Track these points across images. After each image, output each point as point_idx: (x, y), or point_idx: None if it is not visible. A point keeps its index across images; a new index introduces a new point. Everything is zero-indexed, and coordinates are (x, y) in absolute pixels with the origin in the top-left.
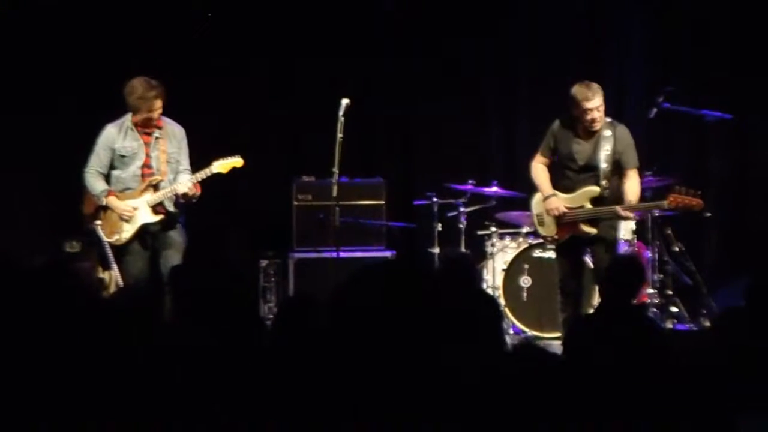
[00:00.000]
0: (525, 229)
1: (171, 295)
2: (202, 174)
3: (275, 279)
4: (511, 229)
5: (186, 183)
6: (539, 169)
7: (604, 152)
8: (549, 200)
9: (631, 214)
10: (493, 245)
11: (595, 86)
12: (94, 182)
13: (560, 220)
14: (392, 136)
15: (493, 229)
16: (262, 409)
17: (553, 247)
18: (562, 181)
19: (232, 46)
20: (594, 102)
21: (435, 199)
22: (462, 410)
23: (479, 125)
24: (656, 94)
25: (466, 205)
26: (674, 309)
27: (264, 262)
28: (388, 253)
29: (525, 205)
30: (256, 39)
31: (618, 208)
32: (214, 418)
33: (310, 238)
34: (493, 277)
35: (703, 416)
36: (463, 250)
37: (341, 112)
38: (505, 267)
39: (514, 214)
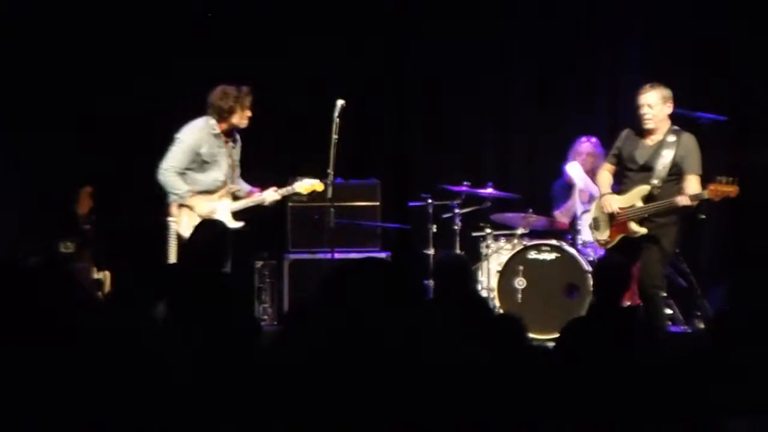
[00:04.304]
0: (520, 231)
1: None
2: (284, 191)
3: (270, 280)
4: (506, 230)
5: (274, 195)
6: (602, 173)
7: (664, 154)
8: (604, 198)
9: (688, 201)
10: (487, 247)
11: (654, 86)
12: (176, 182)
13: (613, 220)
14: (387, 137)
15: (488, 230)
16: (257, 409)
17: (548, 249)
18: (622, 184)
19: (226, 46)
20: (643, 98)
21: (430, 201)
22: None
23: (474, 126)
24: None
25: (461, 206)
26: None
27: (259, 263)
28: (383, 254)
29: (520, 207)
30: (250, 39)
31: (674, 199)
32: (209, 420)
33: (305, 239)
34: (487, 279)
35: (691, 417)
36: (458, 251)
37: (336, 113)
38: (499, 269)
39: (509, 216)
